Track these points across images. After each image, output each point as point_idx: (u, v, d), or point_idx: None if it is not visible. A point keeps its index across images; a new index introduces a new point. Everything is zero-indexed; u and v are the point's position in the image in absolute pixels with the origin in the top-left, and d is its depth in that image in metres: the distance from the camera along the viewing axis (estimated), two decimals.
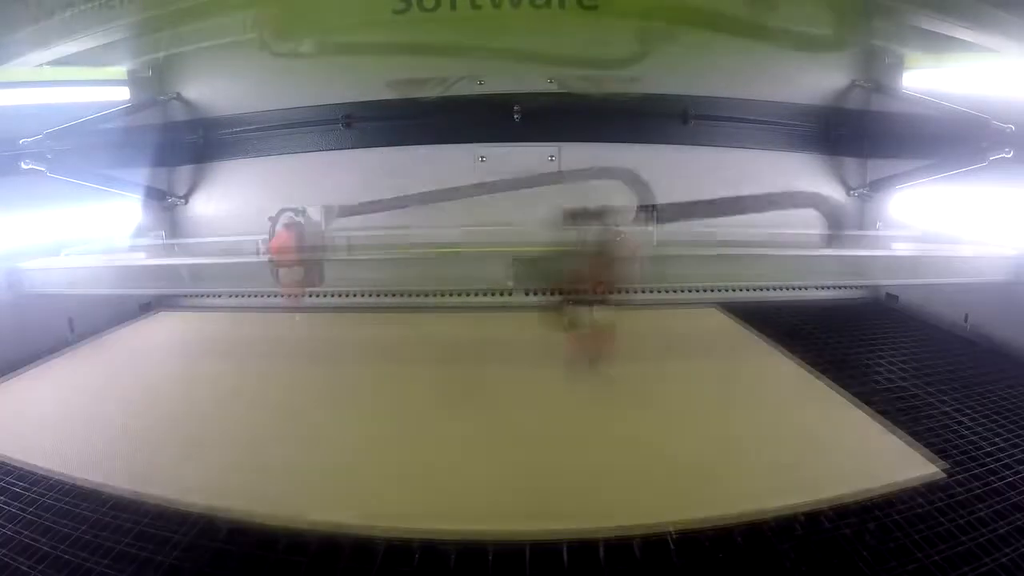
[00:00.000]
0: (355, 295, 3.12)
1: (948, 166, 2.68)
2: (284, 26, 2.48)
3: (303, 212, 2.62)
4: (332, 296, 3.11)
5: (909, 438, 1.64)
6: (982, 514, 1.33)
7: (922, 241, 2.64)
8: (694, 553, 1.21)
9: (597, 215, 1.99)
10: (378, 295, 3.12)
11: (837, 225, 2.86)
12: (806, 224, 3.08)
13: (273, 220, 2.57)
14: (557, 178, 3.01)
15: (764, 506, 1.33)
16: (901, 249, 2.57)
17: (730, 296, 3.11)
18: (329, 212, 2.71)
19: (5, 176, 2.41)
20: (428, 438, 1.71)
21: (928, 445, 1.60)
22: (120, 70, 2.97)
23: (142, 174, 3.15)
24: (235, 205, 3.21)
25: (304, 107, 3.13)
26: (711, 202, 2.94)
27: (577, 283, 1.90)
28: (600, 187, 2.98)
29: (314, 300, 3.07)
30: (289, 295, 2.67)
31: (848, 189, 3.29)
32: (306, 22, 2.59)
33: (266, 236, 2.58)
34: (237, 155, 3.26)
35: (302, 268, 2.56)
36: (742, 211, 2.91)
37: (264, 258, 2.60)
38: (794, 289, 3.16)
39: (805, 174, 3.27)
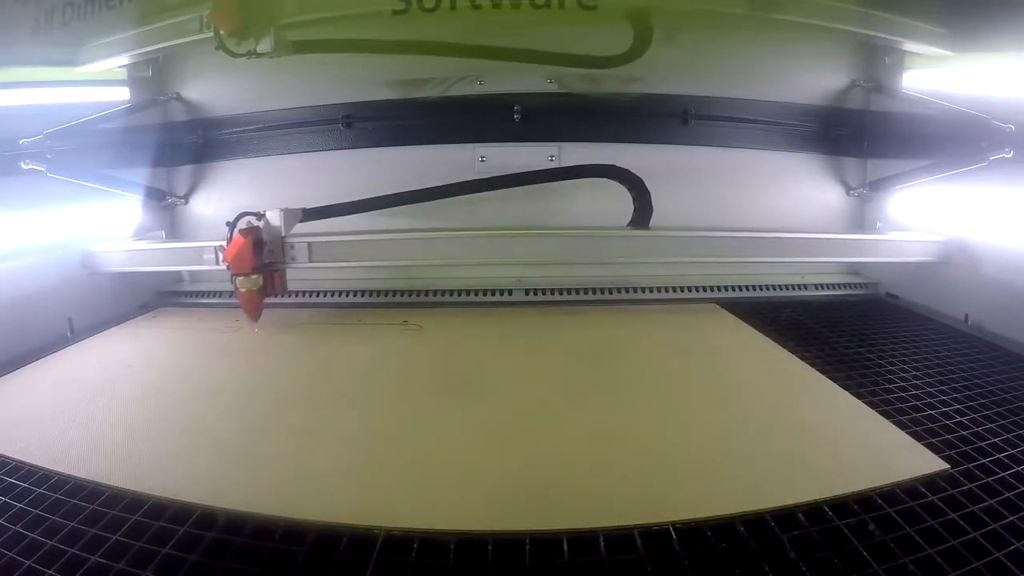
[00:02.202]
0: (346, 294, 3.12)
1: (948, 166, 2.68)
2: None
3: (262, 216, 2.56)
4: (328, 295, 3.12)
5: (911, 434, 1.63)
6: (987, 506, 1.32)
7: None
8: (696, 544, 1.21)
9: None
10: (370, 294, 3.11)
11: (642, 198, 2.78)
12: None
13: (231, 225, 2.51)
14: (542, 177, 2.95)
15: (767, 501, 1.32)
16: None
17: (731, 295, 3.11)
18: (290, 216, 2.62)
19: (5, 176, 2.41)
20: (425, 435, 1.71)
21: (930, 441, 1.59)
22: (120, 70, 2.97)
23: (142, 174, 3.15)
24: (235, 205, 3.18)
25: (304, 107, 3.14)
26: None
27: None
28: (591, 184, 2.95)
29: (311, 299, 3.08)
30: (246, 305, 2.59)
31: (848, 189, 3.29)
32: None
33: (223, 243, 2.52)
34: (237, 155, 3.26)
35: (259, 276, 2.50)
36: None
37: (222, 266, 2.55)
38: (797, 288, 3.17)
39: (805, 174, 3.28)
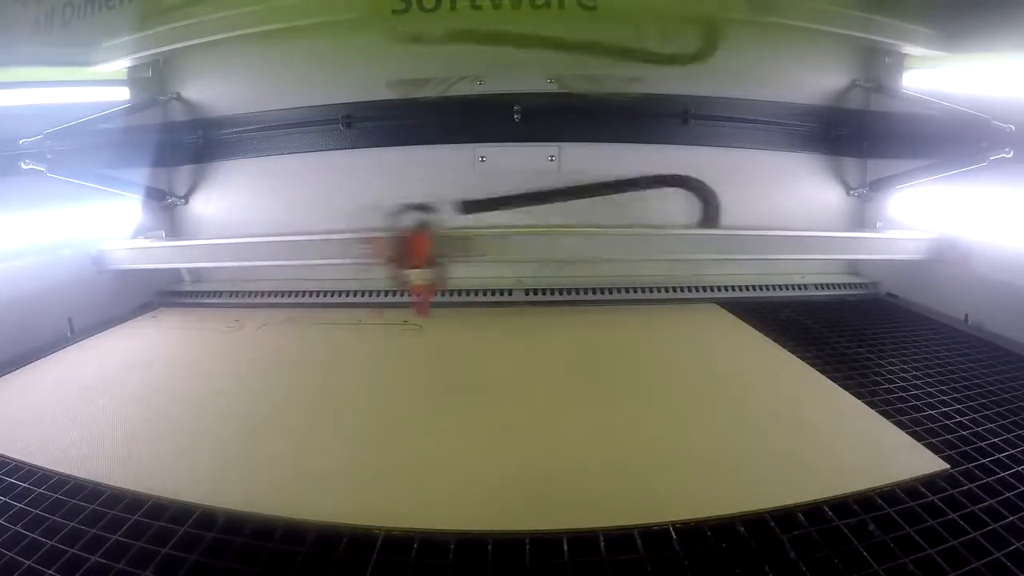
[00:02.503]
0: (347, 294, 3.11)
1: (948, 166, 2.68)
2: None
3: (430, 208, 2.54)
4: (329, 295, 3.12)
5: (911, 434, 1.63)
6: (987, 506, 1.32)
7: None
8: (696, 544, 1.21)
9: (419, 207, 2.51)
10: (371, 294, 3.10)
11: (711, 209, 2.86)
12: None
13: (392, 217, 2.48)
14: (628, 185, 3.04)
15: (767, 501, 1.33)
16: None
17: (732, 294, 3.11)
18: (451, 208, 2.68)
19: (5, 176, 2.41)
20: (425, 435, 1.71)
21: (930, 441, 1.59)
22: (120, 70, 2.97)
23: (142, 174, 3.15)
24: (235, 205, 3.21)
25: (304, 107, 3.13)
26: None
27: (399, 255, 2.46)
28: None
29: (311, 298, 3.09)
30: (419, 302, 2.61)
31: (848, 189, 3.29)
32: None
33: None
34: (237, 155, 3.25)
35: (434, 272, 2.49)
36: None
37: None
38: (797, 288, 3.17)
39: (805, 174, 3.27)
